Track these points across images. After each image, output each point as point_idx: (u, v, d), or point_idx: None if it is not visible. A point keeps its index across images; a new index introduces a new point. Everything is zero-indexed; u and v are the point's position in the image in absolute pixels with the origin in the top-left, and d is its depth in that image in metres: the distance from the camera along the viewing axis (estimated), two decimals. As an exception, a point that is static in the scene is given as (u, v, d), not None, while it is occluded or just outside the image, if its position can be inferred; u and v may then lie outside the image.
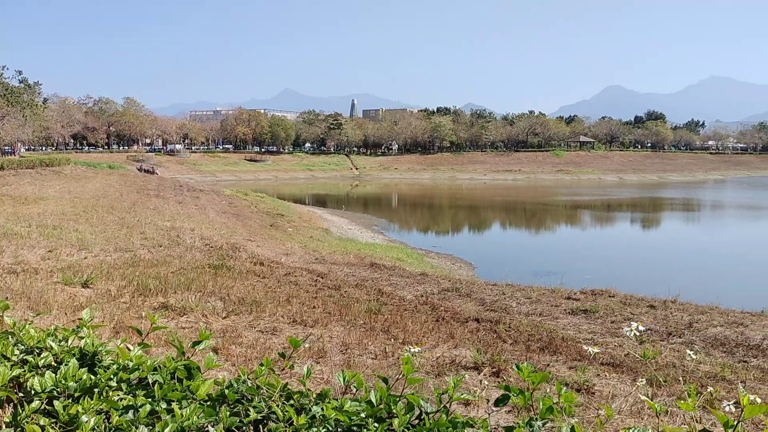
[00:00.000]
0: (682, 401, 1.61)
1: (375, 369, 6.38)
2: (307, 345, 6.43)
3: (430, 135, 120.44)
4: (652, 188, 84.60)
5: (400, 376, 1.93)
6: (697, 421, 1.99)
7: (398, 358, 6.98)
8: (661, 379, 6.01)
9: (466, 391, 2.16)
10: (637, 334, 2.10)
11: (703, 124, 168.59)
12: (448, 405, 1.73)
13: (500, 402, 1.70)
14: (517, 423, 1.57)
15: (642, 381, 2.99)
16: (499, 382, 6.16)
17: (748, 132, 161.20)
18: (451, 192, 77.93)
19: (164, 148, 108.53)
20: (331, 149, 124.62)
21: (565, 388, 1.60)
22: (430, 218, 52.03)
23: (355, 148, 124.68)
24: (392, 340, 7.83)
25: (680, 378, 6.45)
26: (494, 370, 6.62)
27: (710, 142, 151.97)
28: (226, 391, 1.93)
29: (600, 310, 11.09)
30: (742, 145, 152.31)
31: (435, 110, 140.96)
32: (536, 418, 1.59)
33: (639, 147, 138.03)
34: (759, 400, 1.48)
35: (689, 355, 2.54)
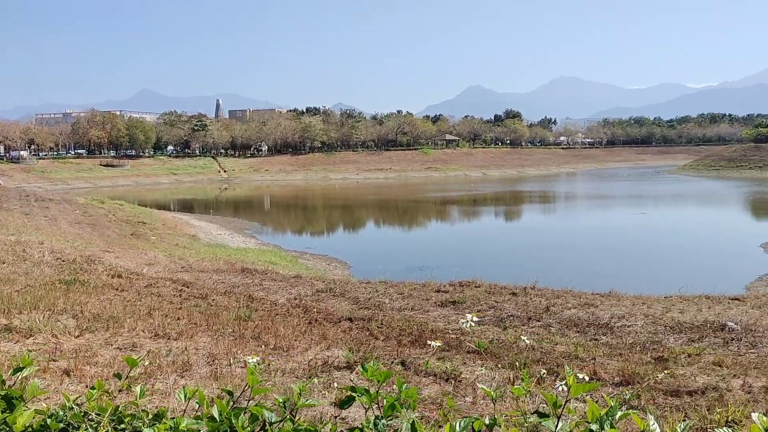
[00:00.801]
0: (514, 386, 1.67)
1: (244, 378, 6.18)
2: (147, 362, 6.09)
3: (301, 135, 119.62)
4: (512, 182, 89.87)
5: (246, 387, 1.84)
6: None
7: (269, 365, 6.82)
8: (520, 363, 6.34)
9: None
10: (473, 324, 2.17)
11: (555, 121, 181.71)
12: (293, 413, 1.66)
13: (345, 404, 1.66)
14: (362, 423, 1.54)
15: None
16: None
17: (594, 128, 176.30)
18: (325, 192, 77.98)
19: (7, 155, 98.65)
20: (196, 152, 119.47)
21: (406, 385, 1.59)
22: (304, 219, 51.72)
23: (223, 150, 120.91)
24: (263, 346, 7.65)
25: (539, 360, 6.86)
26: (366, 367, 6.66)
27: (562, 138, 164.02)
28: (49, 420, 1.73)
29: (467, 300, 11.56)
30: (589, 140, 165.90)
31: (305, 110, 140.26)
32: (381, 417, 1.56)
33: (499, 144, 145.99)
34: (587, 378, 1.55)
35: (522, 340, 2.67)
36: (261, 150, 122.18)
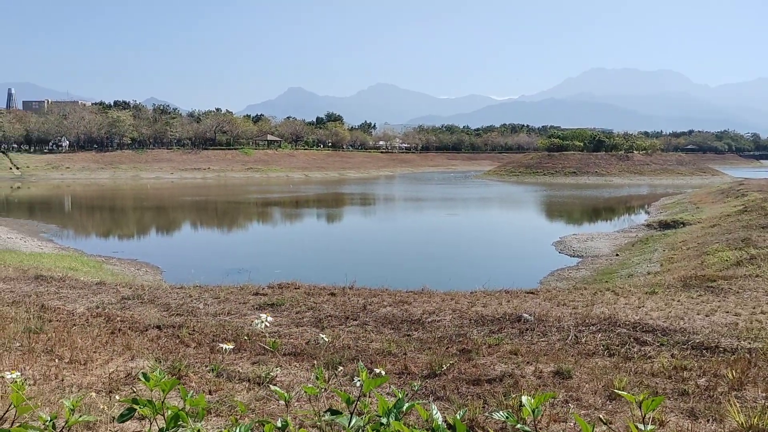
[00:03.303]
0: (307, 385, 1.62)
1: (34, 396, 5.49)
2: None
3: (108, 131, 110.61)
4: (334, 184, 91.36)
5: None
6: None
7: (63, 380, 6.17)
8: (337, 361, 6.39)
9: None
10: (267, 325, 2.12)
11: (375, 126, 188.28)
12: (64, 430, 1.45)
13: (124, 417, 1.49)
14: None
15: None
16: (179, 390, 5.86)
17: (410, 134, 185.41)
18: (135, 192, 72.86)
19: None
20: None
21: (191, 392, 1.47)
22: (111, 221, 47.80)
23: (15, 145, 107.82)
24: (57, 360, 6.89)
25: (354, 357, 6.97)
26: (175, 377, 6.27)
27: (381, 143, 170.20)
28: None
29: (286, 302, 11.45)
30: (406, 145, 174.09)
31: (112, 104, 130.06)
32: (165, 429, 1.42)
33: (321, 146, 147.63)
34: (383, 372, 1.54)
35: (321, 337, 2.67)
36: (61, 146, 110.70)
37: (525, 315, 10.29)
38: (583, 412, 5.17)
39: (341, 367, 5.60)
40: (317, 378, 1.67)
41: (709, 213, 39.74)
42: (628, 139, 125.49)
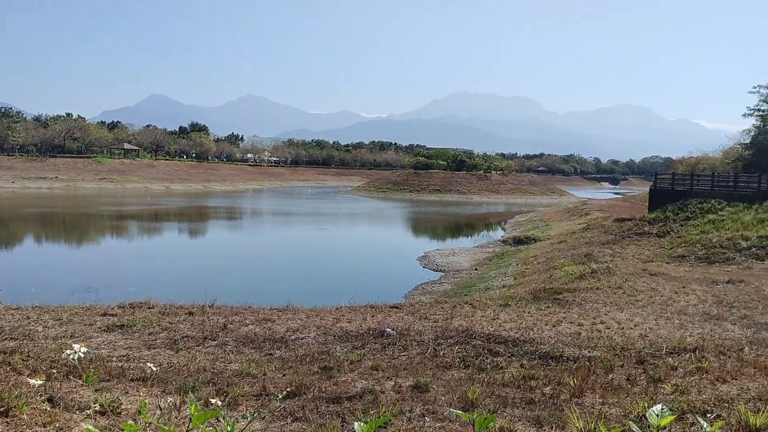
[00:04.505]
0: (127, 423, 1.47)
1: None
2: None
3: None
4: (198, 197, 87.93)
5: None
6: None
7: None
8: (188, 387, 6.04)
9: None
10: (81, 356, 1.93)
11: (243, 138, 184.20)
12: None
13: None
14: None
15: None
16: (7, 423, 5.25)
17: (280, 147, 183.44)
18: (-32, 203, 65.46)
19: None
20: None
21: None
22: (-64, 235, 42.47)
23: None
24: None
25: (210, 381, 6.64)
26: (2, 409, 5.60)
27: (249, 155, 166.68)
28: None
29: (138, 323, 10.73)
30: (275, 159, 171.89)
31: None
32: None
33: (185, 157, 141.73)
34: (219, 403, 1.42)
35: (150, 367, 2.49)
36: None
37: (388, 330, 10.42)
38: (438, 425, 5.28)
39: (191, 394, 5.29)
40: (159, 408, 1.52)
41: (558, 230, 43.04)
42: (487, 160, 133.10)
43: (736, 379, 6.48)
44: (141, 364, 7.37)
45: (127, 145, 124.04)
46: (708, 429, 1.52)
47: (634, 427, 1.42)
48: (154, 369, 2.42)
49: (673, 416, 1.51)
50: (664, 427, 1.42)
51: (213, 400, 1.38)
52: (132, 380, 6.49)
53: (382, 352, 9.04)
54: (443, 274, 28.81)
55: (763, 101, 61.86)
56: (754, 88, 61.98)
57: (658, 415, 1.43)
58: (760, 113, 62.64)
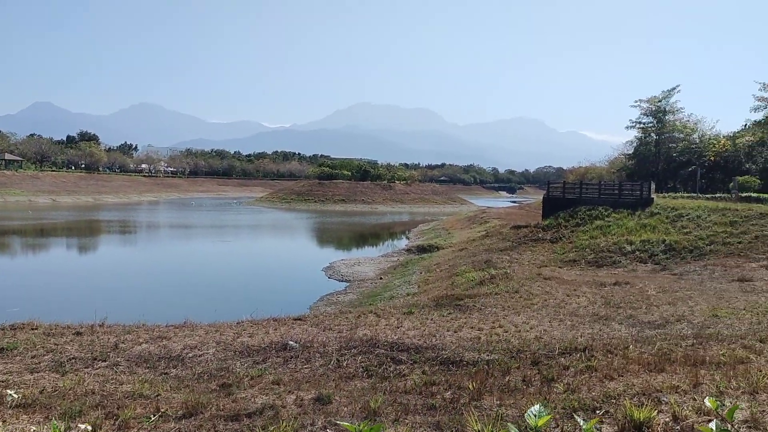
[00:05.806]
0: None
1: None
2: None
3: None
4: (88, 210, 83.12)
5: None
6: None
7: None
8: (74, 412, 5.65)
9: None
10: None
11: (137, 147, 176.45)
12: None
13: None
14: None
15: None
16: None
17: (177, 157, 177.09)
18: None
19: None
20: None
21: None
22: None
23: None
24: None
25: (99, 404, 6.25)
26: None
27: (143, 166, 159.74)
28: None
29: (20, 345, 9.96)
30: (172, 169, 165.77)
31: None
32: None
33: (73, 168, 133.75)
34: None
35: (10, 394, 2.30)
36: None
37: (291, 342, 10.26)
38: (340, 437, 5.23)
39: (55, 421, 4.95)
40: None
41: (459, 238, 44.29)
42: (391, 170, 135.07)
43: (622, 376, 6.88)
44: (22, 390, 6.82)
45: (8, 156, 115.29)
46: (585, 427, 1.58)
47: (513, 428, 1.46)
48: (15, 396, 2.22)
49: (549, 416, 1.56)
50: (543, 427, 1.47)
51: (82, 426, 1.27)
52: (12, 407, 5.98)
53: (285, 365, 8.88)
54: (348, 284, 28.83)
55: (644, 114, 67.05)
56: (636, 102, 67.14)
57: (536, 416, 1.48)
58: (641, 125, 67.86)
